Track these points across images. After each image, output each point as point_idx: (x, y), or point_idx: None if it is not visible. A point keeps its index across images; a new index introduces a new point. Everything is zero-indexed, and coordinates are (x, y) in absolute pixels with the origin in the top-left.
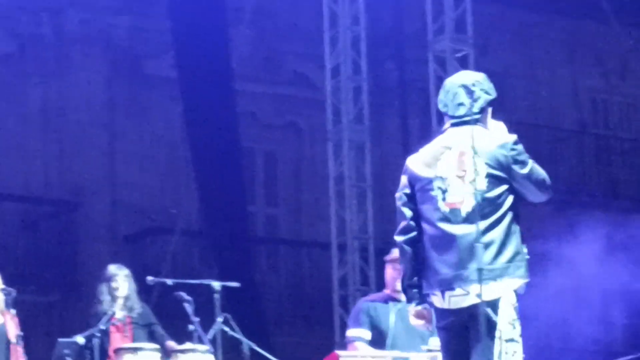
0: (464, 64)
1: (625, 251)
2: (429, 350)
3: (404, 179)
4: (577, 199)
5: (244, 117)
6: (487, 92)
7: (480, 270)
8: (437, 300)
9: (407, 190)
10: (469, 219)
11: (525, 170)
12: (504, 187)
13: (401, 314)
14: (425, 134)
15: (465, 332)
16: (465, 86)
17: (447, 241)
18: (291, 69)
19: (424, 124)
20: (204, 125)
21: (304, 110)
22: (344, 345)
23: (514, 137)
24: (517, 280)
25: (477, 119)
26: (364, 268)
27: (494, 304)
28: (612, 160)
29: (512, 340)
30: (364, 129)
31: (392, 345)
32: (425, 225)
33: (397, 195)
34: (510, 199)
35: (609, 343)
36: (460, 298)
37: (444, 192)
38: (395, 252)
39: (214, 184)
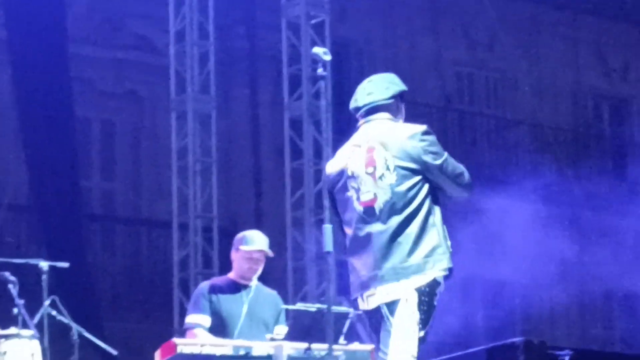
0: (319, 32)
1: (481, 238)
2: (272, 339)
3: (327, 185)
4: None
5: (79, 84)
6: (396, 84)
7: (392, 269)
8: (360, 303)
9: (330, 195)
10: (382, 217)
11: (438, 162)
12: (416, 179)
13: (252, 303)
14: (277, 106)
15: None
16: (373, 80)
17: (364, 242)
18: (132, 31)
19: (275, 95)
20: (34, 92)
21: (145, 77)
22: (183, 333)
23: (424, 127)
24: (428, 276)
25: (388, 105)
26: (207, 249)
27: (393, 306)
28: (477, 139)
29: (408, 340)
30: (210, 99)
31: (239, 334)
32: (346, 228)
33: (328, 206)
34: (424, 191)
35: (468, 335)
36: (372, 298)
37: (357, 191)
38: (256, 241)
39: (45, 155)
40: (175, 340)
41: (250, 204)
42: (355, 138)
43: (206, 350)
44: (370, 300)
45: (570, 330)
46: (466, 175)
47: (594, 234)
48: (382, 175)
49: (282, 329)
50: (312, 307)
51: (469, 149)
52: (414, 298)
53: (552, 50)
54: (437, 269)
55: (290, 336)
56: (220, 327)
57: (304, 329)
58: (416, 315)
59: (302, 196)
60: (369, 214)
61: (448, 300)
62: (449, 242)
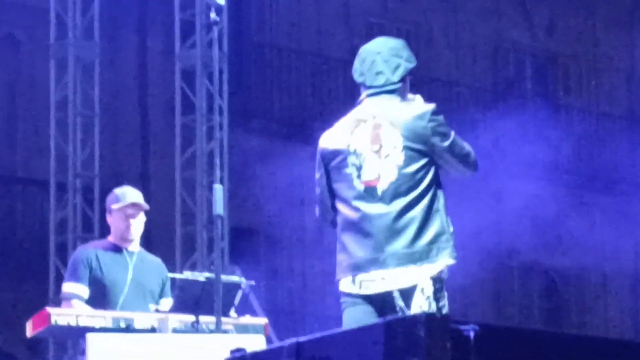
0: None
1: None
2: (157, 311)
3: (318, 159)
4: None
5: None
6: (407, 60)
7: (396, 254)
8: (348, 285)
9: (323, 169)
10: (385, 198)
11: (446, 143)
12: (424, 161)
13: (136, 270)
14: (167, 55)
15: (370, 319)
16: (383, 54)
17: (363, 222)
18: None
19: (166, 43)
20: None
21: (22, 20)
22: (59, 302)
23: (432, 106)
24: (439, 264)
25: (396, 89)
26: (87, 212)
27: (407, 293)
28: None
29: None
30: (94, 45)
31: (123, 305)
32: (339, 205)
33: (317, 177)
34: (431, 174)
35: None
36: (373, 283)
37: (358, 169)
38: (128, 195)
39: None
40: (49, 309)
41: (136, 163)
42: (359, 112)
43: (83, 322)
44: (368, 285)
45: (485, 307)
46: (472, 154)
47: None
48: (389, 155)
49: (166, 302)
50: (201, 276)
51: None
52: (430, 287)
53: (471, 1)
54: (444, 256)
55: (177, 307)
56: (101, 297)
57: (191, 299)
58: (433, 305)
59: (193, 155)
60: (370, 194)
61: None
62: (451, 229)
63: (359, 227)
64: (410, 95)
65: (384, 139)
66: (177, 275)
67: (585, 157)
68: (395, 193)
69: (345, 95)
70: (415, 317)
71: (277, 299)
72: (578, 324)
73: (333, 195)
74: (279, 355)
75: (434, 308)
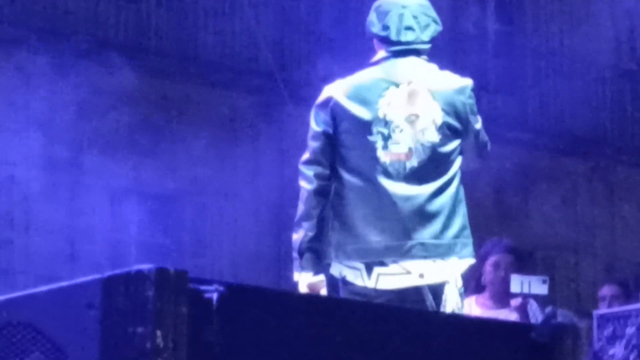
0: None
1: None
2: None
3: (324, 113)
4: None
5: None
6: (435, 22)
7: (424, 244)
8: (355, 275)
9: (329, 129)
10: (413, 178)
11: (478, 125)
12: (457, 141)
13: None
14: None
15: None
16: (411, 8)
17: (383, 201)
18: None
19: None
20: None
21: None
22: None
23: (471, 81)
24: (465, 262)
25: (425, 51)
26: None
27: (438, 289)
28: None
29: None
30: None
31: None
32: (349, 176)
33: (315, 132)
34: (459, 159)
35: None
36: (395, 277)
37: (386, 138)
38: None
39: None
40: None
41: None
42: (387, 72)
43: None
44: (390, 280)
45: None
46: (489, 145)
47: None
48: (425, 129)
49: None
50: None
51: None
52: (460, 285)
53: None
54: (468, 253)
55: None
56: None
57: None
58: (460, 303)
59: None
60: (396, 170)
61: None
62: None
63: (376, 206)
64: None
65: (422, 110)
66: None
67: None
68: (426, 174)
69: None
70: (142, 273)
71: None
72: None
73: (333, 159)
74: None
75: (462, 307)
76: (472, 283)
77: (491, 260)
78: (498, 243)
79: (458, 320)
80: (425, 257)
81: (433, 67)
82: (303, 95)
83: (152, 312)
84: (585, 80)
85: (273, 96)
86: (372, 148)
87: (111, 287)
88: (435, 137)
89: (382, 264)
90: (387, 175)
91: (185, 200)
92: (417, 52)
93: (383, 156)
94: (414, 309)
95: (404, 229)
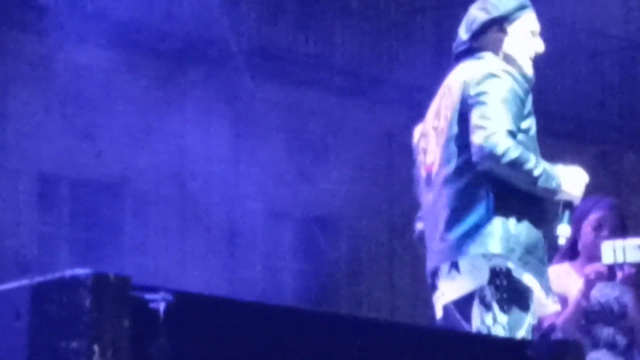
0: None
1: None
2: None
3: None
4: None
5: None
6: (485, 10)
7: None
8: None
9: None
10: (436, 182)
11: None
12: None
13: None
14: None
15: None
16: (469, 11)
17: (426, 215)
18: None
19: None
20: None
21: None
22: None
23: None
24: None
25: (474, 49)
26: None
27: (461, 305)
28: None
29: None
30: None
31: None
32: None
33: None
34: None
35: None
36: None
37: (425, 152)
38: None
39: None
40: None
41: None
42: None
43: None
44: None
45: None
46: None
47: None
48: (443, 129)
49: None
50: None
51: None
52: (488, 295)
53: None
54: (482, 249)
55: None
56: None
57: None
58: (487, 321)
59: None
60: (429, 180)
61: None
62: None
63: (426, 224)
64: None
65: (443, 111)
66: None
67: None
68: (445, 177)
69: None
70: (77, 278)
71: None
72: None
73: None
74: None
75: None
76: (565, 247)
77: (591, 219)
78: (600, 200)
79: (445, 335)
80: (433, 267)
81: (473, 63)
82: None
83: (88, 324)
84: (591, 55)
85: None
86: (418, 164)
87: (41, 295)
88: (452, 132)
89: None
90: (427, 187)
91: None
92: (465, 55)
93: (422, 171)
94: (389, 322)
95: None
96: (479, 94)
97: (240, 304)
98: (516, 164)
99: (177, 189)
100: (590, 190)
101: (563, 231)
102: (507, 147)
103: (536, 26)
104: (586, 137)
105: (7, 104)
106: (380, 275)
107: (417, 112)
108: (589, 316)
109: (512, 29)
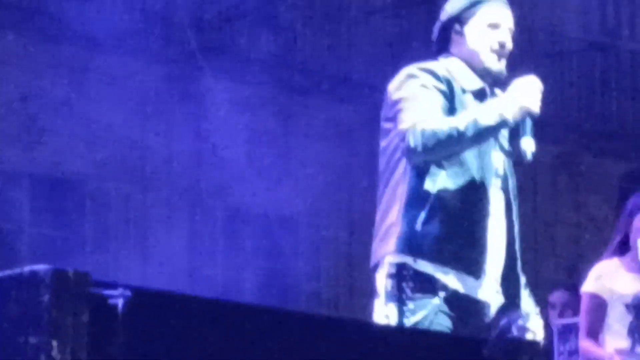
0: None
1: None
2: None
3: None
4: None
5: None
6: (443, 12)
7: None
8: None
9: None
10: None
11: None
12: None
13: None
14: None
15: None
16: None
17: None
18: None
19: None
20: None
21: None
22: None
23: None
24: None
25: (439, 51)
26: None
27: None
28: None
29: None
30: None
31: None
32: None
33: None
34: None
35: None
36: None
37: None
38: None
39: None
40: None
41: None
42: None
43: None
44: None
45: None
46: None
47: None
48: None
49: None
50: None
51: None
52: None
53: None
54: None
55: None
56: None
57: None
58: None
59: None
60: None
61: None
62: None
63: None
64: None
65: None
66: None
67: None
68: None
69: None
70: (36, 274)
71: None
72: None
73: None
74: None
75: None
76: (615, 242)
77: None
78: None
79: (398, 333)
80: None
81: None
82: None
83: (47, 320)
84: (548, 55)
85: None
86: None
87: (0, 290)
88: None
89: None
90: None
91: None
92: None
93: None
94: (347, 319)
95: None
96: (395, 102)
97: (197, 301)
98: (433, 143)
99: (138, 187)
100: (548, 191)
101: (527, 145)
102: (414, 139)
103: (495, 18)
104: (545, 138)
105: None
106: (340, 272)
107: (376, 111)
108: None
109: (467, 28)
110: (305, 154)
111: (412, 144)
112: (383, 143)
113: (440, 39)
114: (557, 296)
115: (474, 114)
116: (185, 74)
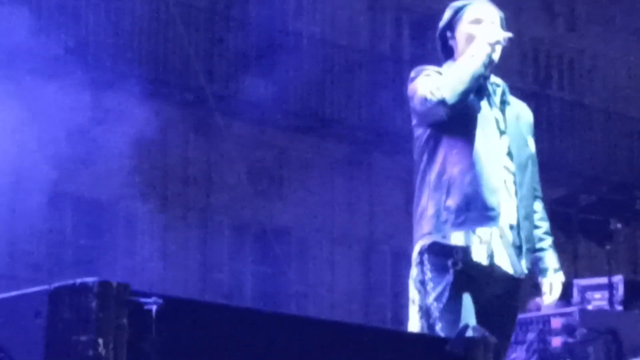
0: None
1: None
2: None
3: None
4: None
5: None
6: (440, 24)
7: None
8: None
9: None
10: None
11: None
12: (420, 130)
13: None
14: None
15: None
16: None
17: None
18: None
19: None
20: None
21: None
22: None
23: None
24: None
25: (445, 58)
26: None
27: None
28: None
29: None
30: None
31: None
32: None
33: None
34: (423, 145)
35: None
36: None
37: None
38: None
39: None
40: None
41: None
42: None
43: None
44: None
45: None
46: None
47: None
48: None
49: None
50: None
51: None
52: (415, 273)
53: None
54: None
55: None
56: None
57: None
58: (414, 296)
59: None
60: None
61: None
62: None
63: None
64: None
65: None
66: None
67: None
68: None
69: None
70: (86, 285)
71: None
72: None
73: None
74: None
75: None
76: None
77: None
78: None
79: (370, 332)
80: None
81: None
82: None
83: (94, 322)
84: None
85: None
86: None
87: (57, 298)
88: None
89: None
90: None
91: None
92: None
93: None
94: (312, 319)
95: None
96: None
97: (219, 307)
98: (458, 83)
99: (159, 206)
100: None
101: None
102: (442, 91)
103: (476, 14)
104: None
105: None
106: (324, 276)
107: (358, 146)
108: None
109: (457, 32)
110: (294, 181)
111: (441, 96)
112: (417, 132)
113: (443, 51)
114: (534, 304)
115: (467, 57)
116: (199, 113)
